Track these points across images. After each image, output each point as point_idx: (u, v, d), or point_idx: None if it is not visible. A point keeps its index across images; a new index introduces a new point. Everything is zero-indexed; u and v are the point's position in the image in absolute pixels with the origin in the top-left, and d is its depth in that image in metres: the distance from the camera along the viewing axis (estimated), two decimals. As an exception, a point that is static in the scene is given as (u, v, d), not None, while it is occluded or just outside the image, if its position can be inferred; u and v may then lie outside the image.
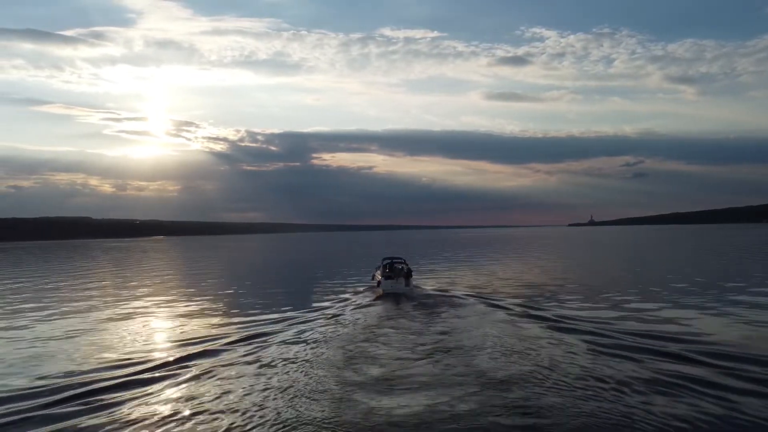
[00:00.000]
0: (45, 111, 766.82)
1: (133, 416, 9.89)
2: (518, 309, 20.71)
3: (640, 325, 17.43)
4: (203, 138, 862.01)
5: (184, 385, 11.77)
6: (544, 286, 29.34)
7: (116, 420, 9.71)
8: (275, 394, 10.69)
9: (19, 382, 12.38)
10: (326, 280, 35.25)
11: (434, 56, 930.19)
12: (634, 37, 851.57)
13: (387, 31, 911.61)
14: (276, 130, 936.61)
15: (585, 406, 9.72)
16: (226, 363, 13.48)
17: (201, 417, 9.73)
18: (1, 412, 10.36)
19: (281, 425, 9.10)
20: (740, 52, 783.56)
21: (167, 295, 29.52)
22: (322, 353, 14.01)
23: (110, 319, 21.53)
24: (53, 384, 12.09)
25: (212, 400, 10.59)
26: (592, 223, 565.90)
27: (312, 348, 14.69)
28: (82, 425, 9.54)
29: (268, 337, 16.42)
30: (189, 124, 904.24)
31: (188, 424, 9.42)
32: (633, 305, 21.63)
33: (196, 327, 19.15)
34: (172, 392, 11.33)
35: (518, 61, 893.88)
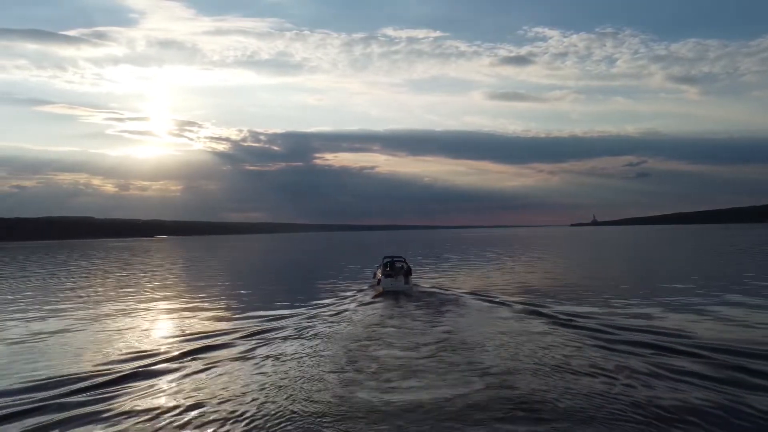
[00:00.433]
0: (48, 111, 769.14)
1: (135, 408, 10.09)
2: (520, 307, 20.86)
3: (644, 322, 17.50)
4: (206, 138, 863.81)
5: (185, 380, 11.92)
6: (546, 284, 29.46)
7: (119, 412, 9.93)
8: (276, 391, 10.75)
9: (36, 374, 12.71)
10: (328, 279, 35.43)
11: (437, 56, 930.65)
12: (636, 36, 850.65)
13: (389, 31, 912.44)
14: (278, 130, 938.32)
15: (590, 401, 9.74)
16: (229, 359, 13.64)
17: (202, 411, 9.88)
18: (15, 402, 10.69)
19: (282, 422, 9.15)
20: (743, 52, 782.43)
21: (170, 294, 29.76)
22: (324, 351, 14.06)
23: (116, 316, 21.71)
24: (61, 377, 12.36)
25: (213, 395, 10.73)
26: (594, 223, 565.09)
27: (314, 346, 14.74)
28: (88, 415, 9.79)
29: (270, 335, 16.55)
30: (191, 124, 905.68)
31: (189, 418, 9.56)
32: (636, 303, 21.71)
33: (200, 324, 19.32)
34: (174, 387, 11.49)
35: (521, 60, 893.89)
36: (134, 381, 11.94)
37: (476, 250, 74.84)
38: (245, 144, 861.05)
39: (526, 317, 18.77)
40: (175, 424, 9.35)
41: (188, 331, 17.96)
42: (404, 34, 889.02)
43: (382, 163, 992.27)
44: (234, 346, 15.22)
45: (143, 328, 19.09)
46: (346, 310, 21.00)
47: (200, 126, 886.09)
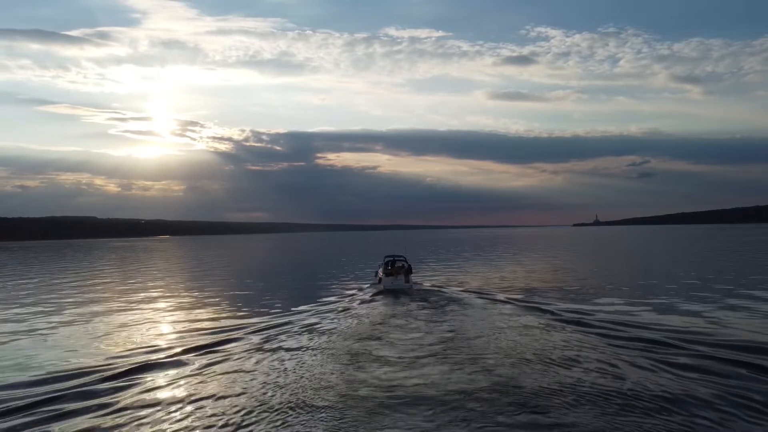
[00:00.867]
0: (51, 111, 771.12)
1: (138, 402, 10.24)
2: (523, 305, 20.90)
3: (651, 320, 17.48)
4: (208, 138, 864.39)
5: (188, 376, 11.99)
6: (549, 283, 29.52)
7: (123, 406, 10.04)
8: (278, 389, 10.73)
9: (41, 368, 12.93)
10: (330, 278, 35.55)
11: (439, 56, 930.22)
12: (639, 36, 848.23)
13: (392, 31, 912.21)
14: (281, 130, 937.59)
15: (596, 399, 9.65)
16: (231, 356, 13.68)
17: (204, 406, 9.94)
18: (32, 393, 11.05)
19: (283, 419, 9.11)
20: (747, 52, 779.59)
21: (174, 292, 29.91)
22: (326, 350, 14.02)
23: (121, 314, 21.84)
24: (65, 372, 12.58)
25: (214, 391, 10.79)
26: (597, 223, 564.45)
27: (316, 344, 14.70)
28: (92, 408, 9.92)
29: (272, 333, 16.57)
30: (194, 124, 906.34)
31: (191, 412, 9.61)
32: (640, 302, 21.68)
33: (202, 321, 19.41)
34: (176, 382, 11.57)
35: (523, 60, 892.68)
36: (138, 376, 12.15)
37: (478, 250, 74.87)
38: (248, 144, 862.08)
39: (529, 316, 18.74)
40: (177, 417, 9.40)
41: (191, 328, 18.10)
42: (406, 33, 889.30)
43: (384, 162, 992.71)
44: (237, 343, 15.29)
45: (147, 325, 19.23)
46: (348, 309, 21.09)
47: (203, 126, 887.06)
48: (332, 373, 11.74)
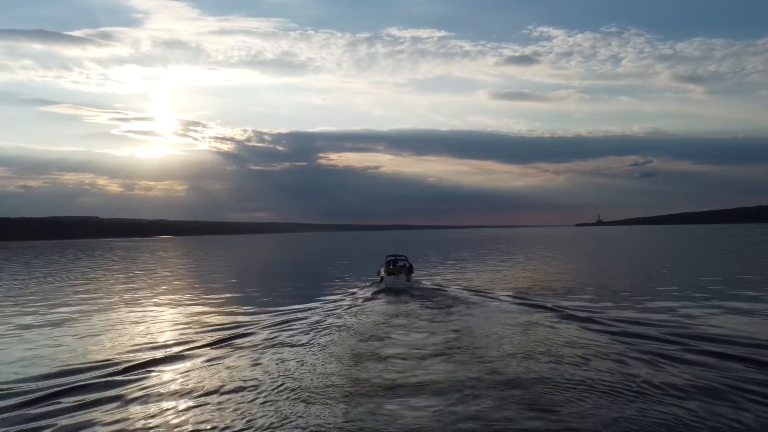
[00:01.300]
0: (53, 111, 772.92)
1: (143, 397, 10.37)
2: (525, 304, 20.92)
3: (654, 320, 17.42)
4: (210, 138, 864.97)
5: (189, 374, 12.05)
6: (552, 283, 29.50)
7: (128, 400, 10.15)
8: (280, 388, 10.72)
9: (45, 365, 12.91)
10: (332, 277, 35.64)
11: (441, 56, 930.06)
12: (642, 36, 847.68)
13: (394, 31, 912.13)
14: (283, 130, 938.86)
15: (603, 402, 9.52)
16: (234, 355, 13.74)
17: (205, 403, 10.01)
18: (35, 387, 11.24)
19: (285, 418, 9.08)
20: (750, 51, 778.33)
21: (178, 291, 30.02)
22: (329, 349, 13.97)
23: (125, 313, 21.93)
24: (73, 369, 12.68)
25: (218, 388, 10.86)
26: (599, 223, 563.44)
27: (318, 343, 14.68)
28: (96, 404, 9.99)
29: (274, 331, 16.59)
30: (196, 124, 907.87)
31: (192, 410, 9.67)
32: (643, 301, 21.66)
33: (204, 320, 19.45)
34: (178, 379, 11.61)
35: (525, 60, 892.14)
36: (141, 372, 12.25)
37: (480, 250, 74.85)
38: (250, 144, 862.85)
39: (533, 314, 18.75)
40: (176, 415, 9.45)
41: (194, 326, 18.16)
42: (408, 33, 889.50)
43: (386, 162, 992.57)
44: (240, 341, 15.36)
45: (151, 323, 19.35)
46: (350, 307, 21.14)
47: (205, 126, 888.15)
48: (334, 373, 11.69)
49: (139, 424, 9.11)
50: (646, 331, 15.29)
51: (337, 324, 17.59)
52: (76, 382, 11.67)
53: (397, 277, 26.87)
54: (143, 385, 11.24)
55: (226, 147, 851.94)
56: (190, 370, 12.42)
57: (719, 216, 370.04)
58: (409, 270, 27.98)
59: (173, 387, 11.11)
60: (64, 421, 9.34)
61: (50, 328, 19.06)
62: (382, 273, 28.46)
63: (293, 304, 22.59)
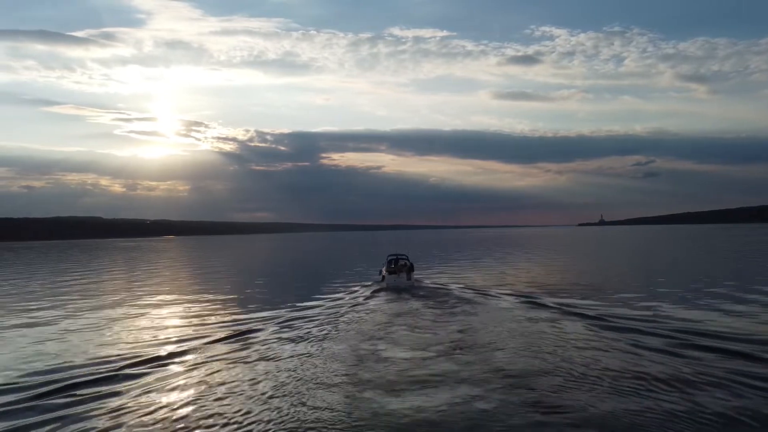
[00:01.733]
0: (56, 112, 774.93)
1: (141, 400, 10.35)
2: (527, 303, 21.00)
3: (655, 316, 17.50)
4: (213, 138, 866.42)
5: (191, 374, 12.16)
6: (555, 282, 29.60)
7: (125, 402, 10.17)
8: (281, 388, 10.69)
9: (48, 364, 13.04)
10: (334, 277, 35.70)
11: (443, 56, 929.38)
12: (644, 35, 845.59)
13: (396, 31, 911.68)
14: (285, 130, 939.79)
15: (608, 401, 9.47)
16: (235, 354, 13.82)
17: (205, 402, 10.09)
18: (44, 381, 11.34)
19: (284, 417, 9.07)
20: (753, 50, 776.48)
21: (180, 291, 30.21)
22: (330, 348, 13.97)
23: (129, 312, 22.07)
24: (73, 369, 12.73)
25: (218, 386, 10.96)
26: (602, 222, 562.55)
27: (320, 343, 14.68)
28: (99, 404, 10.01)
29: (275, 330, 16.68)
30: (198, 124, 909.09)
31: (191, 408, 9.74)
32: (644, 299, 21.71)
33: (206, 319, 19.57)
34: (178, 381, 11.65)
35: (528, 60, 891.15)
36: (141, 370, 12.30)
37: (482, 250, 74.85)
38: (252, 144, 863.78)
39: (534, 313, 18.81)
40: (174, 417, 9.44)
41: (194, 325, 18.26)
42: (411, 33, 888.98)
43: (388, 162, 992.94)
44: (242, 339, 15.46)
45: (152, 323, 19.40)
46: (352, 306, 21.22)
47: (207, 126, 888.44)
48: (335, 372, 11.65)
49: (138, 421, 9.20)
50: (653, 329, 15.27)
51: (338, 323, 17.66)
52: (75, 378, 11.78)
53: (398, 276, 27.39)
54: (141, 383, 11.32)
55: (228, 147, 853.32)
56: (189, 369, 12.48)
57: (722, 216, 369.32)
58: (410, 269, 28.37)
59: (170, 386, 11.08)
60: (66, 415, 9.49)
61: (53, 325, 19.19)
62: (384, 272, 28.90)
63: (295, 303, 22.65)
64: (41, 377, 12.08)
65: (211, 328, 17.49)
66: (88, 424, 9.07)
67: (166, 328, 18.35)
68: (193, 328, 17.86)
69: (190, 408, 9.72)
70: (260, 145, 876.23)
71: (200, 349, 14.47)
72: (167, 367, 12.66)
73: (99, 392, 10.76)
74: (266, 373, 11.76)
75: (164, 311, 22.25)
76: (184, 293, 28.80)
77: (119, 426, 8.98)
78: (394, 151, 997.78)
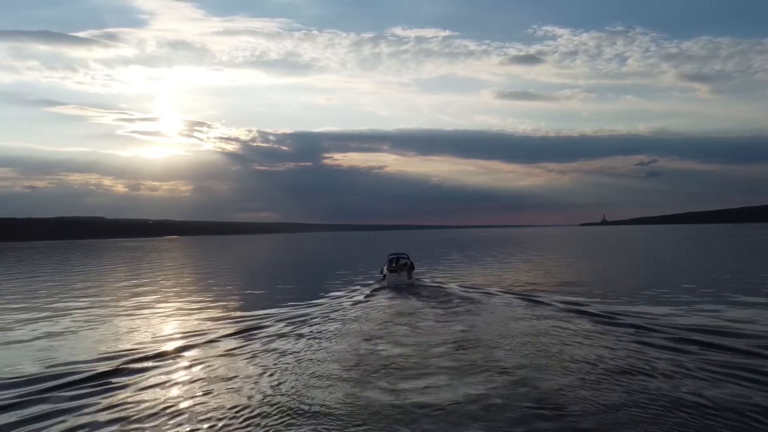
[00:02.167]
0: (59, 112, 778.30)
1: (141, 395, 10.42)
2: (527, 301, 21.04)
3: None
4: (215, 138, 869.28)
5: (191, 370, 12.28)
6: (557, 281, 29.62)
7: (126, 399, 10.26)
8: (281, 385, 10.70)
9: (50, 363, 13.11)
10: (335, 276, 35.74)
11: (446, 55, 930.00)
12: (647, 34, 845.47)
13: (398, 31, 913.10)
14: (287, 130, 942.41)
15: (610, 400, 9.39)
16: (236, 353, 13.85)
17: (206, 400, 10.17)
18: (33, 389, 11.12)
19: (286, 416, 9.03)
20: (756, 50, 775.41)
21: (183, 290, 30.33)
22: (332, 347, 13.97)
23: (133, 311, 22.18)
24: (75, 367, 12.78)
25: (219, 383, 11.04)
26: (604, 222, 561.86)
27: (322, 341, 14.67)
28: (102, 402, 10.07)
29: (277, 329, 16.70)
30: (201, 124, 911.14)
31: (193, 407, 9.80)
32: (646, 298, 21.72)
33: (208, 318, 19.65)
34: (178, 378, 11.76)
35: (530, 59, 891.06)
36: (139, 371, 12.32)
37: (483, 249, 74.82)
38: (254, 144, 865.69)
39: (538, 311, 18.84)
40: (172, 411, 9.52)
41: (196, 324, 18.34)
42: (413, 33, 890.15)
43: (391, 162, 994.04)
44: (244, 338, 15.55)
45: (153, 322, 19.49)
46: (353, 305, 21.32)
47: (210, 126, 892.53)
48: (336, 371, 11.58)
49: (138, 416, 9.29)
50: (661, 328, 15.24)
51: (338, 321, 17.74)
52: (79, 373, 11.94)
53: (399, 275, 27.73)
54: (141, 378, 11.43)
55: (230, 147, 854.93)
56: (190, 366, 12.62)
57: (724, 215, 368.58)
58: (411, 268, 28.65)
59: (167, 385, 11.12)
60: (73, 407, 9.60)
61: (57, 323, 19.30)
62: (385, 270, 29.29)
63: (296, 302, 22.74)
64: (52, 370, 12.34)
65: (213, 327, 17.54)
66: (91, 418, 9.19)
67: (168, 325, 18.49)
68: (195, 326, 17.93)
69: (188, 402, 9.80)
70: (263, 145, 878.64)
71: (202, 346, 14.59)
72: (167, 365, 12.73)
73: (102, 386, 10.93)
74: (266, 371, 11.77)
75: (165, 310, 22.29)
76: (186, 292, 28.88)
77: (118, 420, 9.09)
78: (397, 150, 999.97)
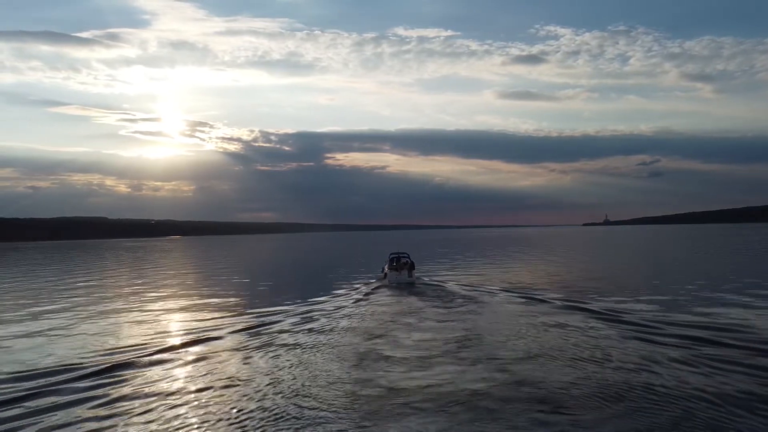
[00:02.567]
0: (62, 112, 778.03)
1: (139, 392, 10.45)
2: (531, 299, 21.02)
3: (658, 312, 17.43)
4: (217, 138, 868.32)
5: (191, 368, 12.30)
6: (562, 280, 29.66)
7: (126, 394, 10.26)
8: (280, 384, 10.63)
9: (51, 360, 13.09)
10: (337, 275, 35.85)
11: (448, 55, 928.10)
12: (650, 34, 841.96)
13: (400, 31, 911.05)
14: (289, 130, 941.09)
15: (614, 393, 9.43)
16: (236, 351, 13.81)
17: (206, 397, 10.17)
18: (40, 384, 11.21)
19: (280, 417, 8.87)
20: (759, 49, 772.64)
21: (185, 290, 30.44)
22: (334, 346, 13.89)
23: (137, 309, 22.17)
24: (80, 362, 12.84)
25: (219, 383, 10.99)
26: (606, 222, 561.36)
27: (322, 341, 14.60)
28: (108, 396, 10.16)
29: (277, 329, 16.64)
30: (203, 124, 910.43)
31: (188, 406, 9.77)
32: (647, 297, 21.64)
33: (209, 316, 19.64)
34: (181, 374, 11.80)
35: (532, 59, 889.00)
36: (140, 368, 12.39)
37: (485, 249, 74.77)
38: (256, 144, 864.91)
39: (539, 310, 18.78)
40: (170, 410, 9.47)
41: (199, 322, 18.34)
42: (415, 33, 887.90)
43: (392, 162, 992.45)
44: (245, 337, 15.53)
45: (155, 320, 19.51)
46: (354, 304, 21.33)
47: (212, 126, 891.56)
48: (336, 371, 11.47)
49: (126, 421, 9.16)
50: (665, 328, 15.14)
51: (340, 320, 17.75)
52: (84, 369, 11.93)
53: (399, 274, 27.96)
54: (135, 382, 11.20)
55: (232, 147, 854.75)
56: (190, 363, 12.63)
57: (727, 215, 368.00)
58: (411, 267, 28.82)
59: (163, 384, 11.05)
60: (84, 398, 9.58)
61: (56, 327, 19.23)
62: (386, 269, 29.55)
63: (298, 300, 22.73)
64: (61, 365, 12.60)
65: (215, 325, 17.56)
66: (91, 412, 9.19)
67: (170, 323, 18.54)
68: (197, 324, 17.93)
69: (188, 398, 9.79)
70: (265, 145, 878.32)
71: (205, 343, 14.68)
72: (168, 362, 12.76)
73: (101, 383, 11.02)
74: (266, 369, 11.75)
75: (167, 308, 22.30)
76: (189, 291, 28.95)
77: (118, 414, 9.08)
78: (399, 150, 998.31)
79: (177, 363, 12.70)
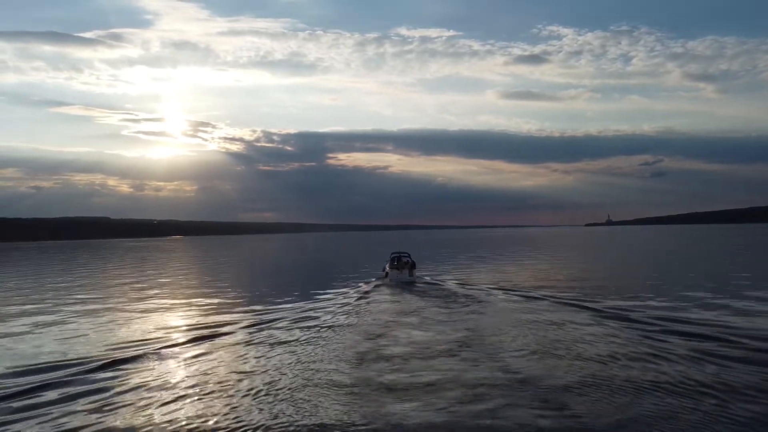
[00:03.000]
0: (64, 112, 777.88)
1: (139, 387, 10.38)
2: (531, 298, 20.90)
3: (661, 310, 17.25)
4: (219, 138, 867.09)
5: (192, 364, 12.22)
6: (564, 280, 29.54)
7: (129, 388, 10.20)
8: (284, 382, 10.54)
9: (50, 357, 13.07)
10: (339, 274, 35.83)
11: (450, 55, 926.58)
12: (652, 34, 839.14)
13: (402, 31, 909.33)
14: (292, 130, 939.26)
15: (618, 398, 9.25)
16: (236, 351, 13.76)
17: (206, 394, 10.08)
18: (44, 378, 11.31)
19: (276, 417, 8.74)
20: (762, 49, 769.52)
21: (186, 289, 30.55)
22: (335, 344, 13.80)
23: (139, 308, 22.12)
24: (78, 359, 12.82)
25: (219, 380, 10.93)
26: (609, 222, 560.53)
27: (324, 338, 14.56)
28: (111, 391, 10.21)
29: (277, 328, 16.53)
30: (205, 124, 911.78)
31: (186, 404, 9.67)
32: (648, 297, 21.51)
33: (210, 314, 19.63)
34: (181, 370, 11.75)
35: (535, 59, 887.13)
36: (142, 363, 12.46)
37: (486, 249, 74.70)
38: (259, 144, 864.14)
39: (540, 310, 18.64)
40: (167, 408, 9.39)
41: (200, 321, 18.36)
42: (417, 33, 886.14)
43: (395, 162, 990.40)
44: (245, 336, 15.46)
45: (156, 318, 19.50)
46: (355, 302, 21.26)
47: (214, 126, 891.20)
48: (336, 370, 11.32)
49: (124, 418, 9.09)
50: (670, 325, 15.02)
51: (341, 318, 17.70)
52: (70, 373, 11.82)
53: (400, 273, 28.28)
54: (136, 378, 11.20)
55: (235, 147, 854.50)
56: (191, 361, 12.57)
57: (730, 215, 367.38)
58: (412, 266, 29.08)
59: (160, 382, 10.97)
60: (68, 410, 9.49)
61: (57, 324, 19.22)
62: (387, 268, 29.79)
63: (299, 300, 22.68)
64: (69, 359, 12.83)
65: (215, 323, 17.51)
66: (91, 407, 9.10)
67: (172, 321, 18.46)
68: (200, 322, 17.98)
69: (189, 393, 9.70)
70: (267, 145, 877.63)
71: (207, 340, 14.75)
72: (169, 359, 12.75)
73: (105, 376, 11.16)
74: (266, 368, 11.65)
75: (169, 306, 22.27)
76: (191, 290, 28.99)
77: (118, 410, 8.97)
78: (401, 150, 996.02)
79: (178, 360, 12.72)
